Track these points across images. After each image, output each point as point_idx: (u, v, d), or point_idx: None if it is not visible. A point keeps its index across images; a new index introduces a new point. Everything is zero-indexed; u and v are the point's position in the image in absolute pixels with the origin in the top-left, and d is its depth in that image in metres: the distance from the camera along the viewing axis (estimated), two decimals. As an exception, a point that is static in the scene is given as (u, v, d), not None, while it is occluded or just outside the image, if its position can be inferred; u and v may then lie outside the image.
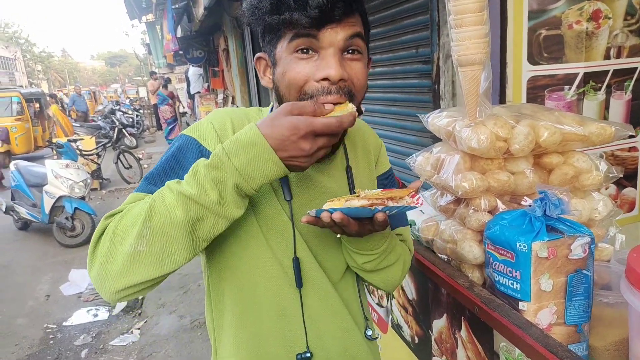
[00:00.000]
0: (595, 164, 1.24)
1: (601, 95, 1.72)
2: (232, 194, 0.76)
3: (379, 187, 1.06)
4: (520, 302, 1.06)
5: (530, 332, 0.96)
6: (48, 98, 13.59)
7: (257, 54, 0.93)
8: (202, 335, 3.43)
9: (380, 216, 0.77)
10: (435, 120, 1.34)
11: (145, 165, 9.79)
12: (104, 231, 0.78)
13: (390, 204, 0.78)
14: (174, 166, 0.87)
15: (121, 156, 8.57)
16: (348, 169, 1.01)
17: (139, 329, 3.68)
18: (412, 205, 0.79)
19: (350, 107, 0.79)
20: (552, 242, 1.02)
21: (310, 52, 0.83)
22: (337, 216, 0.76)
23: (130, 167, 8.71)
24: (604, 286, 1.18)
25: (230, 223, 0.80)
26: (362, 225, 0.82)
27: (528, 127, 1.17)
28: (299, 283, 0.92)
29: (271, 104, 1.01)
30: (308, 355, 0.93)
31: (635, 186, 1.90)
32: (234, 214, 0.79)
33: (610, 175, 1.24)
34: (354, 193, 0.94)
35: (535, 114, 1.24)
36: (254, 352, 0.95)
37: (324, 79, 0.81)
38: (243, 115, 0.97)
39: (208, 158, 0.79)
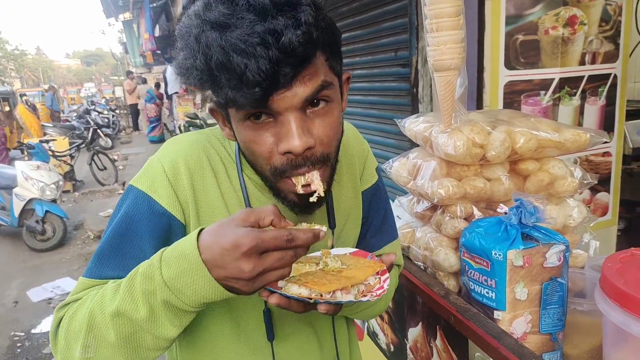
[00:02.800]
0: (570, 170, 1.23)
1: (576, 100, 1.73)
2: (163, 310, 0.65)
3: (364, 203, 0.98)
4: (495, 311, 1.04)
5: (505, 342, 0.94)
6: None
7: (210, 106, 0.78)
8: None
9: (323, 308, 0.67)
10: (412, 126, 1.32)
11: (121, 167, 9.58)
12: (59, 323, 0.73)
13: (339, 295, 0.68)
14: (121, 245, 0.75)
15: (95, 157, 8.37)
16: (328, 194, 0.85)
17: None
18: (367, 297, 0.70)
19: (319, 227, 0.66)
20: (528, 250, 1.00)
21: (264, 116, 0.68)
22: (272, 300, 0.67)
23: (105, 168, 8.51)
24: (577, 293, 1.18)
25: (172, 342, 0.70)
26: (308, 306, 0.70)
27: (504, 134, 1.16)
28: (271, 336, 0.85)
29: None
30: None
31: (608, 191, 1.92)
32: (169, 333, 0.67)
33: (585, 181, 1.24)
34: (333, 226, 0.89)
35: (511, 120, 1.23)
36: None
37: (288, 152, 0.68)
38: (201, 149, 0.81)
39: (162, 218, 0.74)
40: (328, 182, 0.75)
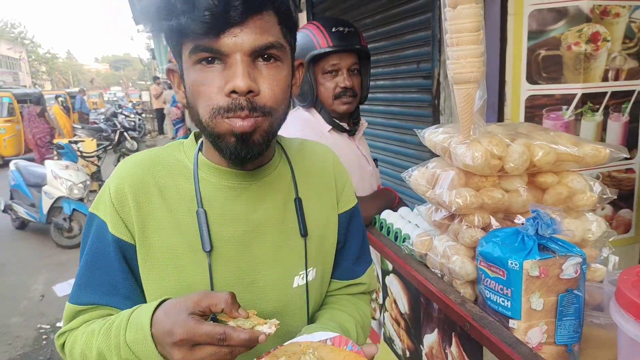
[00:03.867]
0: (589, 184, 1.24)
1: (599, 116, 1.74)
2: None
3: (340, 226, 0.96)
4: (510, 320, 1.06)
5: (519, 350, 0.96)
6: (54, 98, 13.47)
7: (167, 66, 0.83)
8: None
9: None
10: (432, 136, 1.35)
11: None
12: (63, 348, 0.81)
13: None
14: (92, 274, 0.80)
15: (121, 159, 8.55)
16: (297, 202, 0.89)
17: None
18: None
19: (268, 328, 0.67)
20: (544, 261, 1.02)
21: (216, 62, 0.72)
22: None
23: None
24: (595, 307, 1.18)
25: None
26: None
27: (523, 146, 1.18)
28: None
29: (200, 139, 0.88)
30: None
31: (631, 207, 1.91)
32: None
33: (604, 196, 1.25)
34: (304, 234, 0.86)
35: (530, 133, 1.25)
36: None
37: (233, 92, 0.71)
38: (147, 168, 0.82)
39: (115, 241, 0.78)
40: (266, 136, 0.76)
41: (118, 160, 8.52)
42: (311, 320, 0.92)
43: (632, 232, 1.94)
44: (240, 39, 0.70)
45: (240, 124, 0.72)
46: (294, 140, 0.99)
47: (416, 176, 1.39)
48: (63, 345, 0.81)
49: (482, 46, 1.15)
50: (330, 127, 1.71)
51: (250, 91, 0.71)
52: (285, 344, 0.78)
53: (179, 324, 0.63)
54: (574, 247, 1.06)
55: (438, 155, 1.39)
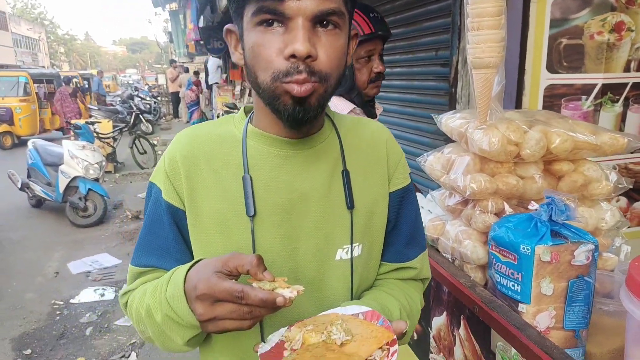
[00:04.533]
0: (605, 173, 1.24)
1: (618, 107, 1.72)
2: (167, 321, 0.74)
3: (391, 205, 0.94)
4: (520, 304, 1.07)
5: (527, 333, 0.97)
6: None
7: (227, 26, 0.84)
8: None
9: None
10: (449, 122, 1.35)
11: (160, 152, 9.88)
12: (126, 306, 0.87)
13: None
14: (150, 238, 0.86)
15: (137, 141, 8.67)
16: (345, 174, 0.88)
17: (143, 310, 3.74)
18: None
19: (289, 292, 0.66)
20: (556, 246, 1.03)
21: (276, 24, 0.73)
22: None
23: (145, 152, 8.80)
24: (605, 295, 1.19)
25: (192, 345, 0.79)
26: None
27: (540, 133, 1.18)
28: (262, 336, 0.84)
29: (251, 108, 0.91)
30: None
31: (647, 201, 1.90)
32: (177, 341, 0.76)
33: (620, 185, 1.24)
34: (351, 206, 0.85)
35: (548, 121, 1.25)
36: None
37: (292, 56, 0.72)
38: (198, 140, 0.87)
39: (169, 207, 0.83)
40: (321, 100, 0.78)
41: (133, 142, 8.61)
42: (356, 299, 0.91)
43: (648, 226, 1.93)
44: (304, 3, 0.71)
45: (297, 89, 0.74)
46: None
47: (431, 161, 1.40)
48: (126, 304, 0.86)
49: (503, 31, 1.14)
50: (351, 109, 1.72)
51: (309, 56, 0.72)
52: (318, 315, 0.78)
53: (203, 279, 0.66)
54: (587, 234, 1.07)
55: (454, 141, 1.40)
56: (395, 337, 0.72)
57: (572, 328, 1.07)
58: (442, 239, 1.35)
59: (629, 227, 1.69)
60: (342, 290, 0.89)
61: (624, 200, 1.81)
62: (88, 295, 4.05)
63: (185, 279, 0.70)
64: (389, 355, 0.69)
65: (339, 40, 0.77)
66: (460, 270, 1.28)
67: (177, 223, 0.85)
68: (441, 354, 1.31)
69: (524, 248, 1.04)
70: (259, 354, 0.72)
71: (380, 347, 0.70)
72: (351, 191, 0.88)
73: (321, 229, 0.87)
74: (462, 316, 1.19)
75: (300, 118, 0.77)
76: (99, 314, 3.72)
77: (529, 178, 1.22)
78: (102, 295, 4.04)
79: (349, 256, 0.88)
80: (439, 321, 1.32)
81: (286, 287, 0.67)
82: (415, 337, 1.47)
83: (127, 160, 9.07)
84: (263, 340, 0.77)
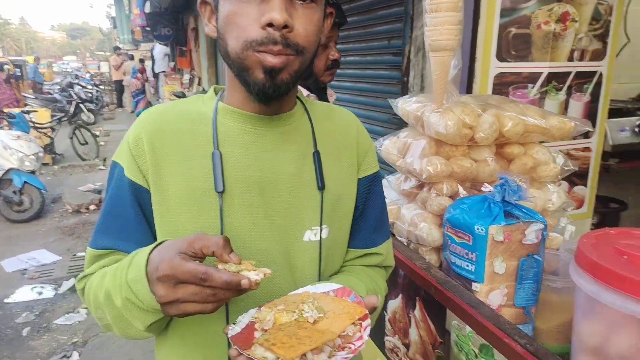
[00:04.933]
0: (552, 156, 1.29)
1: (562, 95, 1.79)
2: (128, 305, 0.70)
3: (359, 191, 0.93)
4: (473, 283, 1.09)
5: (482, 310, 0.99)
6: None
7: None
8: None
9: None
10: (405, 105, 1.35)
11: (102, 143, 9.44)
12: (84, 292, 0.83)
13: (310, 357, 0.64)
14: (117, 213, 0.82)
15: (77, 131, 8.21)
16: (316, 155, 0.87)
17: (85, 308, 3.55)
18: (340, 356, 0.65)
19: (255, 275, 0.64)
20: (508, 226, 1.05)
21: None
22: (232, 353, 0.66)
23: (86, 143, 8.36)
24: (551, 273, 1.24)
25: (153, 331, 0.76)
26: None
27: (493, 117, 1.21)
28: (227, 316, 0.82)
29: (221, 89, 0.90)
30: None
31: (586, 184, 2.00)
32: (138, 326, 0.72)
33: (566, 168, 1.29)
34: (322, 187, 0.84)
35: (500, 105, 1.28)
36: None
37: (269, 25, 0.70)
38: (165, 118, 0.83)
39: (132, 187, 0.79)
40: (294, 75, 0.76)
41: (73, 133, 8.15)
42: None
43: (585, 208, 2.04)
44: None
45: (271, 59, 0.72)
46: (316, 102, 0.98)
47: (387, 145, 1.40)
48: (83, 289, 0.83)
49: (461, 14, 1.15)
50: (306, 94, 1.69)
51: (285, 26, 0.71)
52: (288, 294, 0.77)
53: (165, 260, 0.63)
54: (537, 214, 1.10)
55: (408, 125, 1.40)
56: (367, 312, 0.72)
57: (522, 305, 1.11)
58: (397, 222, 1.35)
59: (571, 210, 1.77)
60: (311, 272, 0.87)
61: (565, 185, 1.90)
62: (24, 294, 3.80)
63: (147, 261, 0.67)
64: (362, 329, 0.69)
65: (316, 14, 0.76)
66: (416, 253, 1.29)
67: (140, 203, 0.81)
68: (396, 335, 1.32)
69: (478, 228, 1.06)
70: (229, 336, 0.69)
71: (353, 323, 0.70)
72: (322, 172, 0.88)
73: (291, 208, 0.85)
74: (417, 298, 1.20)
75: (270, 93, 0.76)
76: (37, 313, 3.50)
77: (482, 161, 1.24)
78: (40, 293, 3.80)
79: (318, 238, 0.87)
80: (394, 304, 1.32)
81: (252, 269, 0.65)
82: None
83: (67, 151, 8.58)
84: (228, 324, 0.75)
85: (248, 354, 0.63)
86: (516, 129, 1.20)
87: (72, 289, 3.85)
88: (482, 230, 1.05)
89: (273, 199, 0.83)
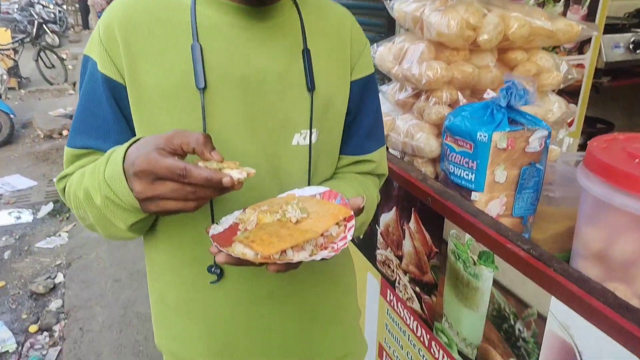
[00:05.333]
0: (556, 63, 1.22)
1: (560, 7, 1.69)
2: (108, 204, 0.66)
3: (352, 95, 0.87)
4: (473, 193, 1.06)
5: (482, 218, 0.96)
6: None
7: None
8: (135, 239, 3.34)
9: (272, 269, 0.62)
10: (402, 6, 1.25)
11: (70, 66, 8.93)
12: (64, 192, 0.79)
13: (290, 254, 0.63)
14: (93, 110, 0.76)
15: (42, 54, 7.73)
16: (305, 53, 0.80)
17: (67, 231, 3.51)
18: (322, 255, 0.63)
19: (238, 173, 0.60)
20: (512, 133, 1.00)
21: None
22: (220, 259, 0.63)
23: (53, 66, 7.91)
24: (548, 184, 1.21)
25: (136, 232, 0.75)
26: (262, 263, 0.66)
27: (498, 18, 1.12)
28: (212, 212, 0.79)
29: None
30: (218, 270, 0.83)
31: (576, 103, 1.96)
32: (119, 225, 0.69)
33: (570, 77, 1.23)
34: (312, 87, 0.78)
35: (505, 5, 1.18)
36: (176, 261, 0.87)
37: None
38: (141, 4, 0.75)
39: (106, 81, 0.74)
40: None
41: (38, 55, 7.67)
42: None
43: (574, 127, 2.01)
44: None
45: None
46: None
47: (382, 52, 1.30)
48: (64, 189, 0.79)
49: None
50: None
51: None
52: (274, 198, 0.75)
53: (142, 155, 0.59)
54: (541, 121, 1.05)
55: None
56: (352, 213, 0.69)
57: (520, 215, 1.09)
58: (392, 134, 1.29)
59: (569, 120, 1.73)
60: (299, 178, 0.83)
61: (559, 101, 1.85)
62: (2, 218, 3.72)
63: (124, 157, 0.63)
64: (346, 230, 0.68)
65: None
66: (411, 165, 1.24)
67: (116, 99, 0.75)
68: (389, 248, 1.31)
69: (480, 135, 1.01)
70: (210, 235, 0.67)
71: (337, 223, 0.68)
72: (312, 72, 0.81)
73: (278, 109, 0.79)
74: (412, 209, 1.17)
75: None
76: (17, 237, 3.45)
77: (483, 67, 1.17)
78: (19, 218, 3.72)
79: (307, 142, 0.82)
80: (387, 217, 1.30)
81: (236, 168, 0.60)
82: (361, 237, 1.46)
83: (33, 75, 8.11)
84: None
85: (227, 251, 0.62)
86: (522, 31, 1.12)
87: (52, 213, 3.79)
88: (484, 137, 1.00)
89: (259, 99, 0.77)
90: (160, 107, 0.74)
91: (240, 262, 0.63)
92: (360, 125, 0.91)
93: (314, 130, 0.82)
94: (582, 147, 2.46)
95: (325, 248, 0.66)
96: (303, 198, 0.74)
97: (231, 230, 0.69)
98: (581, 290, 0.75)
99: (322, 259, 0.64)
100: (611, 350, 0.69)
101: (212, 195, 0.60)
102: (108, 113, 0.75)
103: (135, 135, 0.77)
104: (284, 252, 0.63)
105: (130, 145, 0.64)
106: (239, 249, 0.63)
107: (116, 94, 0.75)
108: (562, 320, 0.78)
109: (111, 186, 0.64)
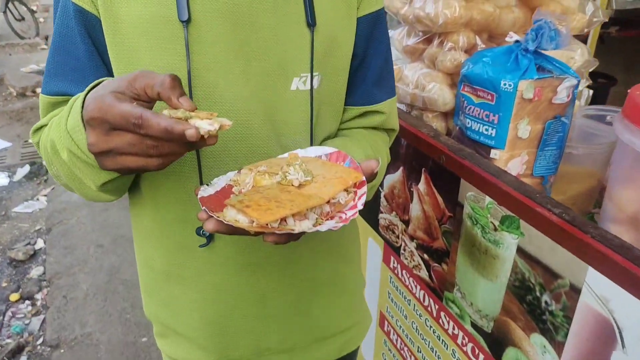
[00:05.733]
0: (582, 4, 1.09)
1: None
2: (73, 159, 0.57)
3: (359, 33, 0.76)
4: (492, 150, 0.95)
5: (505, 178, 0.86)
6: None
7: None
8: (118, 202, 3.21)
9: (269, 240, 0.53)
10: (412, -63, 1.09)
11: (42, 19, 8.46)
12: (38, 145, 0.70)
13: (291, 223, 0.53)
14: (66, 50, 0.66)
15: (10, 5, 7.26)
16: None
17: (45, 195, 3.36)
18: (329, 225, 0.54)
19: (208, 125, 0.49)
20: (541, 81, 0.89)
21: None
22: (209, 226, 0.54)
23: (23, 19, 7.46)
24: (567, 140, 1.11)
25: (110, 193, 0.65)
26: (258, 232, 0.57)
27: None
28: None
29: None
30: (207, 233, 0.73)
31: (586, 54, 1.84)
32: (88, 183, 0.61)
33: (595, 19, 1.11)
34: (312, 23, 0.67)
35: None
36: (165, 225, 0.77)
37: None
38: None
39: (79, 15, 0.63)
40: None
41: (6, 6, 7.22)
42: (316, 144, 0.76)
43: (583, 81, 1.90)
44: None
45: None
46: None
47: (388, -9, 1.15)
48: (38, 143, 0.70)
49: None
50: None
51: None
52: (273, 158, 0.65)
53: (96, 100, 0.49)
54: (570, 69, 0.93)
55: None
56: (364, 178, 0.60)
57: (541, 174, 0.99)
58: (399, 85, 1.16)
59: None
60: (300, 129, 0.72)
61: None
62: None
63: (83, 103, 0.53)
64: (356, 198, 0.58)
65: None
66: (420, 121, 1.12)
67: (91, 35, 0.66)
68: (394, 212, 1.21)
69: (505, 84, 0.89)
70: (198, 197, 0.58)
71: (347, 190, 0.59)
72: (312, 5, 0.69)
73: (274, 47, 0.67)
74: (422, 169, 1.06)
75: None
76: (-7, 201, 3.30)
77: (504, 7, 1.03)
78: (-7, 181, 3.55)
79: (308, 87, 0.71)
80: (392, 178, 1.19)
81: (207, 118, 0.49)
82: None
83: (1, 29, 7.66)
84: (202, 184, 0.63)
85: (218, 216, 0.53)
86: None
87: (28, 176, 3.62)
88: (509, 86, 0.88)
89: (252, 35, 0.66)
90: (139, 43, 0.64)
91: (233, 230, 0.54)
92: (369, 70, 0.80)
93: (315, 73, 0.71)
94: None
95: (332, 217, 0.56)
96: (307, 159, 0.65)
97: (223, 193, 0.60)
98: (625, 259, 0.65)
99: (328, 230, 0.54)
100: (663, 327, 0.61)
101: (178, 151, 0.50)
102: (82, 51, 0.65)
103: (113, 76, 0.66)
104: (283, 220, 0.53)
105: (91, 89, 0.54)
106: (232, 215, 0.54)
107: (90, 27, 0.64)
108: (600, 293, 0.69)
109: (73, 138, 0.55)
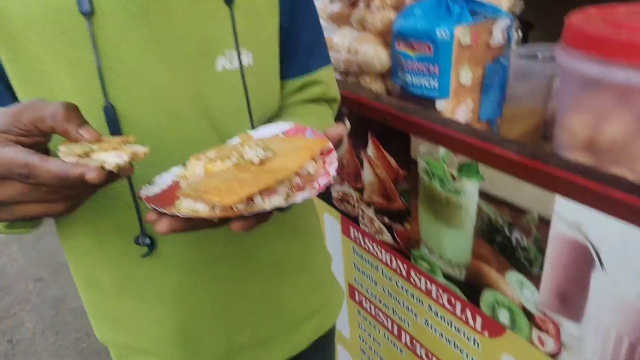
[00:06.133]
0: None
1: None
2: None
3: (283, 4, 0.70)
4: (437, 101, 0.94)
5: (456, 127, 0.84)
6: None
7: None
8: (50, 229, 2.97)
9: (236, 227, 0.47)
10: None
11: None
12: None
13: (259, 202, 0.47)
14: None
15: None
16: None
17: (-34, 237, 3.05)
18: (303, 195, 0.48)
19: (115, 157, 0.43)
20: (476, 25, 0.88)
21: None
22: (161, 228, 0.46)
23: None
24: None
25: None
26: (222, 222, 0.50)
27: None
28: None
29: None
30: (147, 240, 0.66)
31: None
32: None
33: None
34: (230, 1, 0.61)
35: None
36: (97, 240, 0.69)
37: None
38: None
39: None
40: None
41: None
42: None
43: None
44: None
45: None
46: None
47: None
48: None
49: None
50: None
51: None
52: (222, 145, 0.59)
53: None
54: (500, 10, 0.93)
55: None
56: (331, 145, 0.56)
57: (487, 118, 0.99)
58: (330, 54, 1.12)
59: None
60: (236, 114, 0.66)
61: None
62: None
63: None
64: (325, 164, 0.53)
65: None
66: (358, 86, 1.09)
67: None
68: (345, 182, 1.17)
69: (441, 33, 0.87)
70: (143, 197, 0.51)
71: (314, 159, 0.54)
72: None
73: (190, 28, 0.61)
74: (369, 134, 1.03)
75: None
76: None
77: (425, -43, 1.01)
78: None
79: (236, 65, 0.65)
80: (339, 149, 1.15)
81: (116, 148, 0.43)
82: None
83: None
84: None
85: (172, 212, 0.46)
86: None
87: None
88: (446, 34, 0.87)
89: (164, 18, 0.59)
90: (36, 43, 0.54)
91: (192, 225, 0.48)
92: (299, 39, 0.76)
93: (244, 50, 0.66)
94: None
95: (303, 189, 0.51)
96: (265, 136, 0.59)
97: (171, 191, 0.53)
98: (593, 181, 0.65)
99: (304, 200, 0.49)
100: (635, 240, 0.62)
101: (85, 193, 0.45)
102: None
103: (11, 89, 0.56)
104: (250, 200, 0.47)
105: None
106: (187, 205, 0.47)
107: None
108: (571, 219, 0.69)
109: None
